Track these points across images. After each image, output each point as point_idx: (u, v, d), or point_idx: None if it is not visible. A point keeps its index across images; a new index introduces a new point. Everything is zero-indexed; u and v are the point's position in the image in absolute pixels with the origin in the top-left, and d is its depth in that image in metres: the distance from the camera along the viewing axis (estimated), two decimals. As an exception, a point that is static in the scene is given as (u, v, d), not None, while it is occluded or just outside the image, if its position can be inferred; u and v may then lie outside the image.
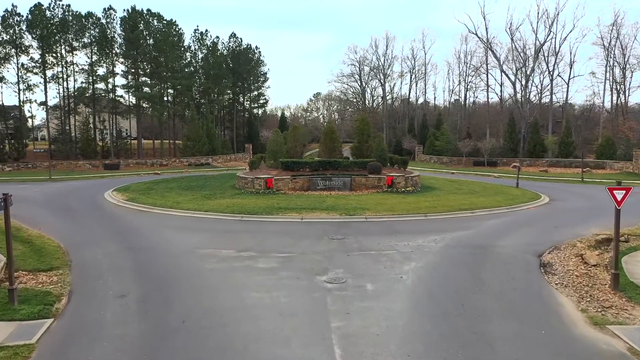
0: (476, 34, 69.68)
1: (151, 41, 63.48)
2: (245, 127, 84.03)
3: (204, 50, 74.02)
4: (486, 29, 72.73)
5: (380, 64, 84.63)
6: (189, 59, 71.97)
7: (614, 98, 69.71)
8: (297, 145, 35.09)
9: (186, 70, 70.08)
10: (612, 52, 64.89)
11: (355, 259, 14.80)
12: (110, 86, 63.27)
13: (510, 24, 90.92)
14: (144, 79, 65.49)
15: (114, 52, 62.44)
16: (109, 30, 61.31)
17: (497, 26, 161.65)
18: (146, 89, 64.41)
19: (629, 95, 71.09)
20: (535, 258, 14.95)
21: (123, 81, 66.50)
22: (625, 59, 66.19)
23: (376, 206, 23.44)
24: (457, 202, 24.76)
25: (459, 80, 79.11)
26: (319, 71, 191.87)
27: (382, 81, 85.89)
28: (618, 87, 68.14)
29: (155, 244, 16.98)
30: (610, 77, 66.26)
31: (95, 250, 16.05)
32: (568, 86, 67.44)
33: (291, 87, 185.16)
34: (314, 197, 26.71)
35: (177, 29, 67.24)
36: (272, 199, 25.91)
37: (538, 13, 78.00)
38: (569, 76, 67.13)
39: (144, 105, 65.84)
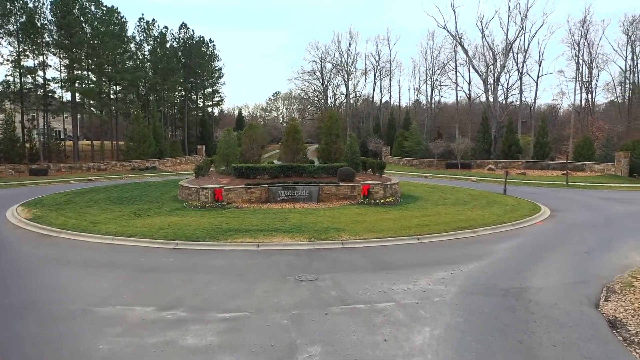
0: (445, 28, 66.39)
1: (88, 29, 56.27)
2: (198, 127, 77.45)
3: (150, 42, 67.05)
4: (455, 23, 69.79)
5: (344, 60, 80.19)
6: (133, 51, 64.88)
7: (583, 97, 68.10)
8: (254, 146, 29.72)
9: (130, 63, 63.00)
10: (581, 51, 63.00)
11: (337, 321, 9.78)
12: (40, 80, 55.56)
13: (482, 18, 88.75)
14: (79, 72, 58.03)
15: (44, 41, 54.76)
16: (37, 16, 53.67)
17: (466, 22, 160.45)
18: (81, 83, 57.11)
19: (595, 95, 69.84)
20: (595, 311, 10.40)
21: (56, 74, 58.89)
22: (592, 57, 64.61)
23: (353, 225, 18.49)
24: (450, 217, 20.18)
25: (425, 78, 75.69)
26: (279, 70, 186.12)
27: (345, 79, 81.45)
28: (586, 86, 66.49)
29: (39, 296, 11.39)
30: (580, 76, 64.32)
31: None
32: (537, 84, 65.31)
33: (249, 86, 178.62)
34: (274, 212, 21.51)
35: (119, 17, 60.23)
36: (220, 215, 20.51)
37: (509, 7, 75.60)
38: (538, 74, 64.75)
39: (80, 101, 58.38)
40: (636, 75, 64.57)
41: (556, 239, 17.36)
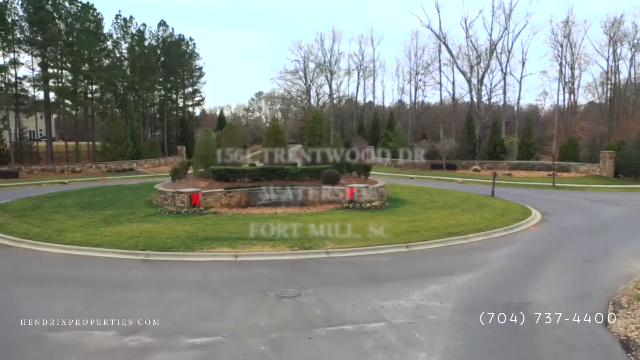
0: (429, 27, 65.76)
1: (62, 26, 54.17)
2: (178, 128, 75.51)
3: (128, 40, 64.94)
4: (439, 22, 69.60)
5: (327, 59, 79.06)
6: (110, 49, 62.77)
7: (565, 97, 68.28)
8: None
9: (106, 61, 60.93)
10: (564, 51, 63.06)
11: (322, 347, 8.70)
12: (12, 78, 53.25)
13: (466, 18, 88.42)
14: (54, 70, 55.84)
15: (15, 38, 52.51)
16: (8, 12, 51.40)
17: (450, 22, 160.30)
18: (56, 81, 54.96)
19: (578, 95, 70.05)
20: (605, 330, 9.48)
21: (28, 72, 56.61)
22: (574, 58, 64.77)
23: (339, 231, 17.41)
24: (440, 222, 19.24)
25: (409, 78, 74.96)
26: (262, 70, 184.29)
27: (328, 78, 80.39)
28: (569, 86, 66.66)
29: (-16, 320, 10.07)
30: (563, 77, 64.42)
31: None
32: (520, 85, 64.98)
33: (232, 86, 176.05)
34: (255, 217, 20.29)
35: (95, 14, 58.09)
36: (197, 222, 19.22)
37: (493, 7, 75.25)
38: (521, 75, 64.62)
39: (54, 101, 56.18)
40: (617, 76, 64.94)
41: (552, 246, 16.53)
